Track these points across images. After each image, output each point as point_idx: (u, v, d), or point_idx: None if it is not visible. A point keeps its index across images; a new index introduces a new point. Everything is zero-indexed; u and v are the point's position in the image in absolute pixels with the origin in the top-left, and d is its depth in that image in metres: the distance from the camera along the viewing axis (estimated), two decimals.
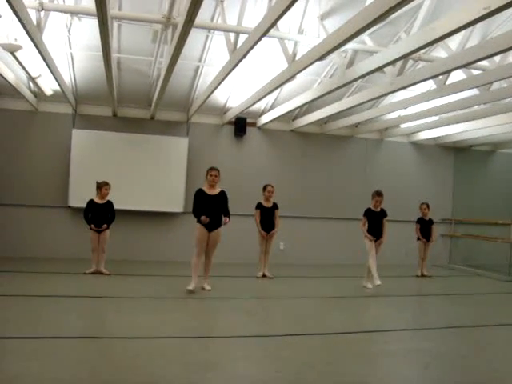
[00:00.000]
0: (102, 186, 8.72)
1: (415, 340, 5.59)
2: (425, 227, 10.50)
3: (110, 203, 8.81)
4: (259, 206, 9.25)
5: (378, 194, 8.52)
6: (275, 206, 9.30)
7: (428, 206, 10.51)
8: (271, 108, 10.64)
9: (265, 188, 9.28)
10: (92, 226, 8.64)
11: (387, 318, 7.02)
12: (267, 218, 9.20)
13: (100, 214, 8.69)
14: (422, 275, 10.36)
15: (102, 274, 8.60)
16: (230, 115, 10.62)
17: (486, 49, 5.62)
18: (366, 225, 8.50)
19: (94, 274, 8.56)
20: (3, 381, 3.69)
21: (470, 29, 6.83)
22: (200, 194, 7.51)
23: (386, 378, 4.37)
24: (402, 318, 6.96)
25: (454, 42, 7.46)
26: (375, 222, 8.48)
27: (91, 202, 8.76)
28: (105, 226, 8.68)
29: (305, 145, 11.75)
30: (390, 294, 8.07)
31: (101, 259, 8.67)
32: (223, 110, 10.96)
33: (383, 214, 8.56)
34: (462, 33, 6.93)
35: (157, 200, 10.62)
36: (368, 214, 8.56)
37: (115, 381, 3.82)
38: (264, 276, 9.19)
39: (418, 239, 10.50)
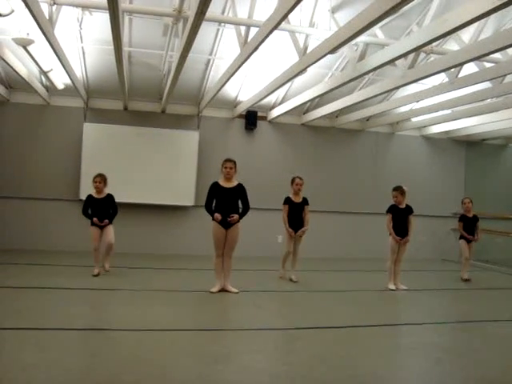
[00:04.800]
0: (92, 179, 7.96)
1: (427, 334, 5.56)
2: (469, 225, 9.31)
3: (110, 197, 8.02)
4: (287, 200, 8.38)
5: (394, 189, 8.08)
6: (305, 201, 8.39)
7: (471, 201, 9.42)
8: (282, 101, 10.62)
9: (293, 181, 8.41)
10: (94, 219, 7.82)
11: (398, 312, 7.02)
12: (296, 214, 8.30)
13: (100, 210, 7.91)
14: (467, 279, 9.19)
15: (106, 271, 8.05)
16: (241, 109, 10.62)
17: (499, 41, 5.57)
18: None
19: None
20: (18, 370, 3.74)
21: (483, 21, 6.78)
22: (215, 187, 7.01)
23: (397, 371, 4.37)
24: (413, 312, 6.95)
25: (466, 35, 7.40)
26: (400, 219, 7.99)
27: (89, 197, 8.00)
28: (106, 221, 7.86)
29: (316, 138, 11.73)
30: (400, 288, 8.03)
31: (107, 255, 8.01)
32: (234, 104, 10.96)
33: (409, 210, 8.05)
34: (475, 25, 6.87)
35: (168, 193, 10.65)
36: (392, 210, 8.05)
37: (126, 372, 3.85)
38: (290, 280, 8.32)
39: (461, 238, 9.34)
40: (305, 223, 8.32)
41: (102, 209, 7.93)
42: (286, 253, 8.41)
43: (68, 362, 4.03)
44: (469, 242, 9.23)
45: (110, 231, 7.94)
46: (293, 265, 8.38)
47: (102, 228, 7.91)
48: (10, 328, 4.86)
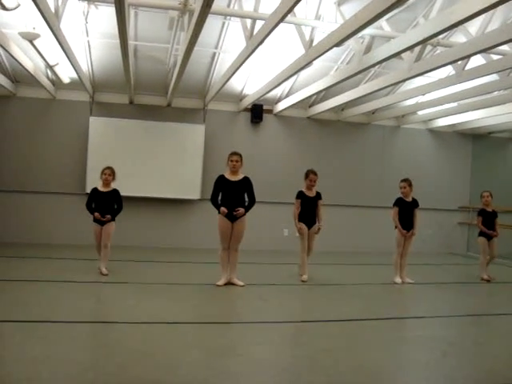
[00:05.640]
0: (101, 171, 7.59)
1: (433, 328, 5.56)
2: (488, 220, 8.67)
3: (115, 192, 7.59)
4: (300, 194, 7.85)
5: (402, 180, 8.09)
6: (318, 196, 7.92)
7: (491, 195, 8.77)
8: (288, 95, 10.59)
9: (307, 175, 7.91)
10: (96, 214, 7.39)
11: (404, 305, 7.03)
12: (309, 209, 7.81)
13: (104, 204, 7.48)
14: (487, 279, 8.53)
15: (102, 274, 7.43)
16: (247, 102, 10.61)
17: (506, 33, 5.54)
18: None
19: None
20: (27, 362, 3.77)
21: (490, 12, 6.70)
22: (221, 180, 7.04)
23: (403, 364, 4.38)
24: (419, 305, 6.95)
25: (473, 27, 7.34)
26: (406, 212, 7.99)
27: (94, 190, 7.60)
28: (108, 216, 7.42)
29: (321, 132, 11.71)
30: (406, 281, 8.03)
31: (103, 257, 7.49)
32: (240, 97, 10.95)
33: (415, 204, 8.06)
34: (482, 17, 6.81)
35: (174, 187, 10.67)
36: (399, 203, 8.04)
37: (133, 364, 3.87)
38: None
39: (480, 235, 8.73)
40: (319, 219, 7.87)
41: (106, 203, 7.51)
42: (301, 253, 7.81)
43: (75, 355, 4.06)
44: (489, 238, 8.64)
45: (109, 231, 7.47)
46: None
47: (103, 224, 7.47)
48: (17, 320, 4.89)
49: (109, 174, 7.52)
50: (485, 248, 8.64)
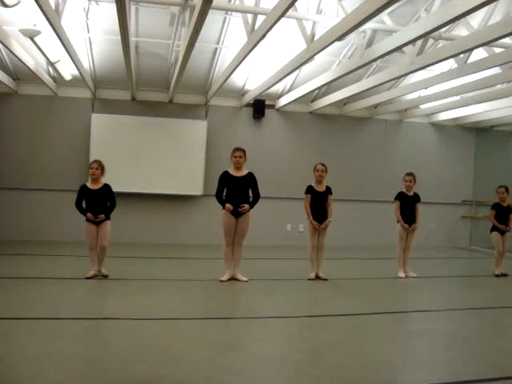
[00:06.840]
0: (89, 166, 7.12)
1: (437, 321, 5.56)
2: (502, 214, 8.51)
3: (107, 188, 7.03)
4: (310, 189, 7.57)
5: (408, 174, 8.10)
6: (329, 191, 7.64)
7: (507, 190, 8.52)
8: (290, 90, 10.58)
9: (314, 168, 7.63)
10: (88, 214, 6.89)
11: (408, 299, 7.02)
12: (319, 204, 7.55)
13: (96, 203, 6.94)
14: (502, 274, 8.44)
15: (103, 276, 7.09)
16: (249, 97, 10.60)
17: (508, 26, 5.52)
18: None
19: (95, 278, 6.97)
20: (31, 359, 3.78)
21: (492, 5, 6.70)
22: (225, 176, 7.05)
23: (408, 358, 4.37)
24: (423, 299, 6.95)
25: (475, 20, 7.31)
26: (408, 206, 8.02)
27: (83, 187, 7.04)
28: (102, 216, 6.91)
29: (324, 126, 11.69)
30: (410, 275, 8.03)
31: (101, 259, 7.02)
32: (242, 93, 10.94)
33: (416, 198, 8.10)
34: (484, 10, 6.79)
35: (176, 183, 10.67)
36: (400, 197, 8.07)
37: (137, 359, 3.88)
38: (317, 277, 7.57)
39: (493, 230, 8.62)
40: (328, 214, 7.58)
41: (97, 202, 6.97)
42: (310, 249, 7.60)
43: (80, 351, 4.06)
44: (502, 233, 8.49)
45: (105, 231, 6.98)
46: (319, 260, 7.63)
47: (97, 224, 6.97)
48: (22, 318, 4.91)
49: (96, 167, 6.93)
50: (498, 243, 8.50)
